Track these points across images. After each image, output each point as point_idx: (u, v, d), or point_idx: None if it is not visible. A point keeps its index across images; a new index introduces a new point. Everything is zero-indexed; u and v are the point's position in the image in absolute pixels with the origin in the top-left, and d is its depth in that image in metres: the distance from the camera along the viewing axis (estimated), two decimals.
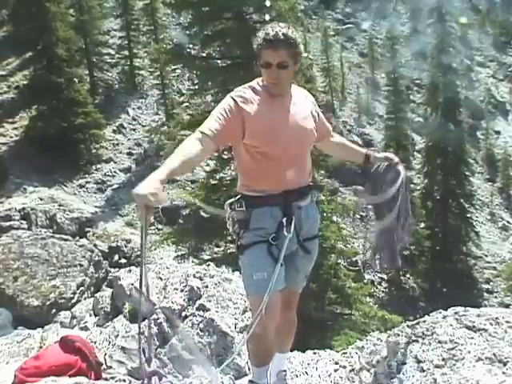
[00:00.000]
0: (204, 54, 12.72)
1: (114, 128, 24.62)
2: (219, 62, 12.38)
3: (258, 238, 2.67)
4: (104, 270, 14.67)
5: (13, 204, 18.02)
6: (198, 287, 4.68)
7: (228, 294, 4.56)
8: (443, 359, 2.94)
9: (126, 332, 4.53)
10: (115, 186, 21.74)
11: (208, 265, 5.30)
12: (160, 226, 20.03)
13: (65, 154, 20.35)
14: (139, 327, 2.72)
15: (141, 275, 2.32)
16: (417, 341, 3.25)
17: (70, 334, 4.30)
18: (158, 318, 4.45)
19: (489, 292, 23.45)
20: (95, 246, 16.24)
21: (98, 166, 22.45)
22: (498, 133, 37.42)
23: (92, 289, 13.46)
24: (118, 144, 23.99)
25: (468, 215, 25.01)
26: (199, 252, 12.55)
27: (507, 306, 17.10)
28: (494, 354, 2.85)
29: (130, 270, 5.48)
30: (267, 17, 11.31)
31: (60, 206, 18.74)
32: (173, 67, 24.25)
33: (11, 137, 21.88)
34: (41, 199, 18.76)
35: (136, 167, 23.04)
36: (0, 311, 10.90)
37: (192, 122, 11.59)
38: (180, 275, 4.93)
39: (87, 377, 3.66)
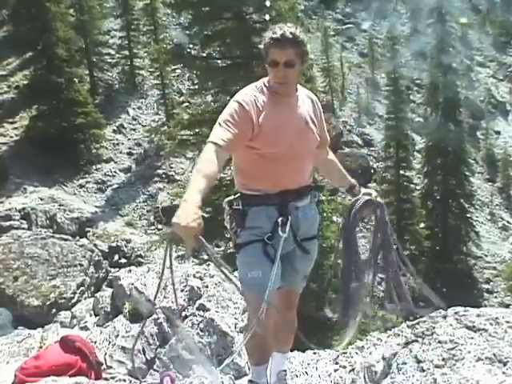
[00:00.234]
0: (204, 54, 12.73)
1: (114, 128, 24.62)
2: (219, 61, 12.39)
3: (253, 237, 2.67)
4: (104, 270, 14.66)
5: (13, 204, 18.02)
6: (198, 287, 4.68)
7: (228, 294, 4.56)
8: (443, 359, 2.94)
9: (126, 332, 4.54)
10: (115, 186, 21.74)
11: (208, 265, 5.30)
12: (160, 226, 20.06)
13: (65, 154, 20.35)
14: (136, 339, 2.73)
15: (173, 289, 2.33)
16: (417, 341, 3.25)
17: (70, 334, 4.30)
18: (158, 318, 4.45)
19: (489, 292, 23.44)
20: (95, 245, 16.24)
21: (98, 165, 22.45)
22: (498, 133, 37.41)
23: (92, 289, 13.45)
24: (118, 144, 23.99)
25: (468, 215, 25.00)
26: (199, 252, 12.54)
27: (507, 306, 17.11)
28: (494, 354, 2.85)
29: (130, 270, 5.48)
30: (267, 17, 11.32)
31: (60, 205, 18.75)
32: (173, 67, 24.26)
33: (11, 137, 21.88)
34: (41, 199, 18.76)
35: (136, 167, 23.04)
36: (0, 311, 10.91)
37: (192, 121, 11.60)
38: (180, 275, 4.94)
39: (87, 377, 3.66)
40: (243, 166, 2.73)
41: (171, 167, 22.97)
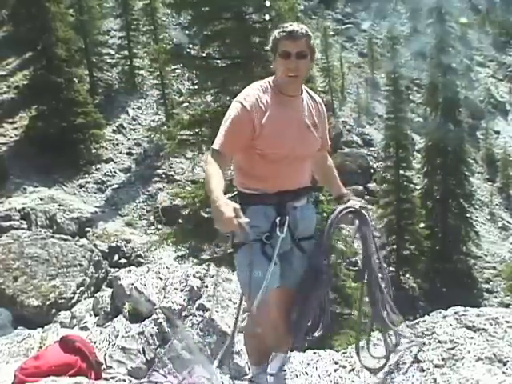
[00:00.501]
0: (204, 54, 12.70)
1: (114, 128, 24.62)
2: (219, 61, 12.37)
3: (251, 236, 2.65)
4: (104, 270, 14.68)
5: (13, 204, 18.02)
6: (197, 287, 4.68)
7: (228, 294, 4.56)
8: (443, 359, 2.94)
9: (126, 332, 4.54)
10: (115, 186, 21.74)
11: (208, 265, 5.30)
12: (160, 226, 20.06)
13: (65, 154, 20.35)
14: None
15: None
16: None
17: (70, 334, 4.30)
18: (157, 318, 4.45)
19: (489, 292, 23.44)
20: (95, 245, 16.25)
21: (98, 166, 22.45)
22: (497, 133, 37.42)
23: (92, 289, 13.46)
24: (117, 144, 23.99)
25: (468, 215, 24.99)
26: (199, 252, 12.56)
27: (507, 306, 17.12)
28: (494, 354, 2.85)
29: (129, 270, 5.48)
30: (267, 17, 11.31)
31: (60, 206, 18.75)
32: (172, 67, 24.23)
33: (11, 137, 21.88)
34: (41, 199, 18.76)
35: (136, 167, 23.04)
36: (0, 311, 10.91)
37: (192, 121, 11.58)
38: (180, 275, 4.94)
39: (87, 377, 3.66)
40: (243, 165, 2.73)
41: (171, 167, 22.97)
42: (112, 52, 28.35)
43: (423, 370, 2.94)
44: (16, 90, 23.68)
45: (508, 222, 29.98)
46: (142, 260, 16.76)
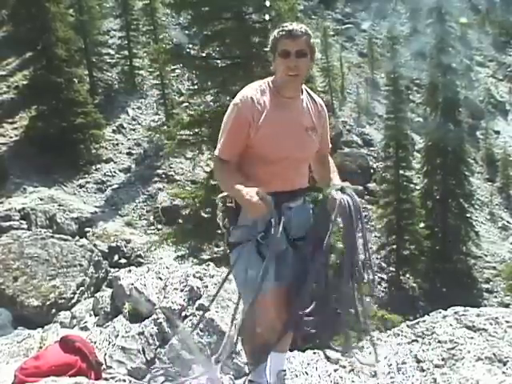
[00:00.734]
0: (204, 54, 12.70)
1: (114, 128, 24.62)
2: (219, 61, 12.37)
3: (246, 235, 2.68)
4: (104, 270, 14.66)
5: (13, 204, 18.02)
6: (197, 287, 4.68)
7: (228, 294, 4.56)
8: (443, 359, 2.95)
9: (126, 332, 4.54)
10: (115, 186, 21.74)
11: (208, 265, 5.31)
12: (160, 226, 20.06)
13: (65, 154, 20.34)
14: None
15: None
16: (417, 341, 3.25)
17: (70, 334, 4.30)
18: (157, 318, 4.45)
19: (489, 292, 23.44)
20: (95, 246, 16.23)
21: (98, 166, 22.45)
22: (497, 133, 37.41)
23: (92, 289, 13.45)
24: (117, 144, 23.98)
25: (468, 215, 24.99)
26: (199, 252, 12.56)
27: (507, 306, 17.12)
28: (494, 354, 2.85)
29: (129, 270, 5.48)
30: (267, 17, 11.31)
31: (60, 206, 18.74)
32: (172, 67, 24.22)
33: (11, 137, 21.87)
34: (41, 199, 18.75)
35: (136, 167, 23.04)
36: (0, 311, 10.91)
37: (191, 121, 11.59)
38: (180, 275, 4.94)
39: (87, 377, 3.66)
40: (241, 165, 2.73)
41: (171, 167, 22.96)
42: (112, 52, 28.35)
43: (423, 370, 2.94)
44: (16, 90, 23.66)
45: (508, 221, 29.98)
46: (142, 260, 16.75)
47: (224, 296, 4.56)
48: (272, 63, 2.72)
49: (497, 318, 3.15)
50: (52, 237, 14.30)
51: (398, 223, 22.96)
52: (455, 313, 3.33)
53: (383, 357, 3.28)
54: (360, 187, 26.79)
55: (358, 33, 42.62)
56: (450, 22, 27.59)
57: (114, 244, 17.55)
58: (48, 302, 12.20)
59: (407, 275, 23.36)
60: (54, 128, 20.49)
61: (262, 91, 2.68)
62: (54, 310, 11.94)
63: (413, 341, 3.27)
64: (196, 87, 13.65)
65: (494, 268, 24.71)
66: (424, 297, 22.15)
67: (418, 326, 3.40)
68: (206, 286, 4.72)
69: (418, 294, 22.63)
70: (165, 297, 4.68)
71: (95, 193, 21.25)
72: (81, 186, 21.26)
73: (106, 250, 16.88)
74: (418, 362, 3.02)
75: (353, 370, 3.38)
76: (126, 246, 17.69)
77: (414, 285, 23.06)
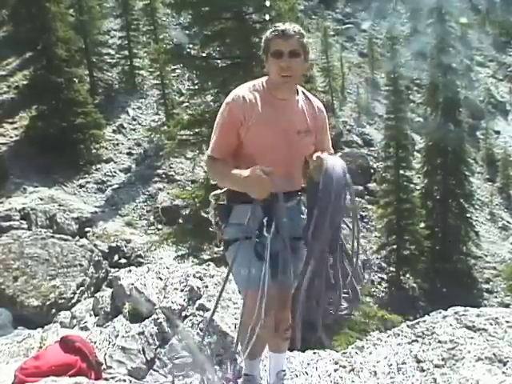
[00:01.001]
0: (204, 54, 12.70)
1: (114, 128, 24.62)
2: (219, 61, 12.37)
3: (240, 233, 2.67)
4: (104, 270, 14.66)
5: (13, 204, 18.02)
6: (197, 287, 4.68)
7: (228, 294, 4.56)
8: (443, 359, 2.95)
9: (126, 332, 4.54)
10: (115, 186, 21.74)
11: (208, 265, 5.31)
12: (160, 226, 20.06)
13: (65, 154, 20.34)
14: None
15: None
16: (417, 341, 3.25)
17: (70, 334, 4.30)
18: (157, 318, 4.45)
19: (489, 292, 23.44)
20: (95, 245, 16.23)
21: (98, 166, 22.45)
22: (497, 133, 37.42)
23: (92, 289, 13.45)
24: (118, 144, 23.99)
25: (468, 215, 24.99)
26: (199, 252, 12.55)
27: (507, 306, 17.11)
28: (494, 354, 2.85)
29: (129, 270, 5.48)
30: (267, 17, 11.30)
31: (60, 206, 18.74)
32: (173, 67, 24.26)
33: (11, 137, 21.88)
34: (41, 199, 18.76)
35: (136, 167, 23.04)
36: (0, 311, 10.91)
37: (192, 121, 11.59)
38: (180, 275, 4.94)
39: (87, 377, 3.66)
40: (232, 164, 2.71)
41: (171, 167, 22.97)
42: (112, 52, 28.35)
43: (423, 370, 2.94)
44: (16, 90, 23.67)
45: (508, 221, 29.98)
46: (142, 260, 16.75)
47: (224, 296, 4.56)
48: (265, 64, 2.67)
49: (497, 318, 3.15)
50: (52, 237, 14.31)
51: (398, 223, 22.95)
52: (455, 313, 3.33)
53: (383, 357, 3.28)
54: (360, 187, 26.84)
55: (359, 33, 42.64)
56: (451, 22, 27.60)
57: (114, 244, 17.55)
58: (48, 302, 12.20)
59: (407, 275, 23.36)
60: (54, 128, 20.49)
61: (255, 91, 2.65)
62: (53, 310, 11.94)
63: (413, 341, 3.27)
64: (196, 87, 13.63)
65: (494, 268, 24.71)
66: (424, 297, 22.15)
67: (418, 326, 3.40)
68: (206, 286, 4.72)
69: (418, 294, 22.63)
70: (165, 297, 4.68)
71: (95, 193, 21.25)
72: (81, 186, 21.26)
73: (106, 250, 16.88)
74: (418, 362, 3.02)
75: (353, 369, 3.38)
76: (126, 246, 17.69)
77: (414, 285, 23.06)
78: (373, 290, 20.86)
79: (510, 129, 38.56)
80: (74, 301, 12.52)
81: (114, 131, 24.45)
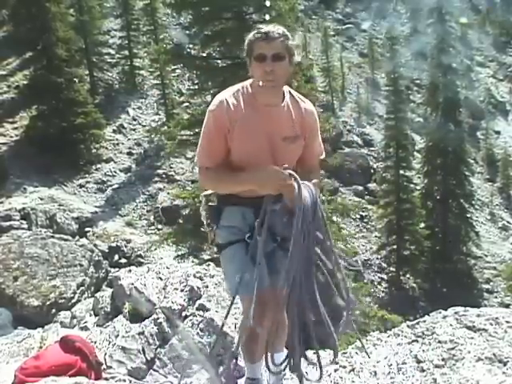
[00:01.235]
0: (204, 54, 12.71)
1: (114, 128, 24.62)
2: (219, 61, 12.37)
3: (233, 236, 2.65)
4: (104, 270, 14.65)
5: (13, 204, 18.02)
6: (198, 287, 4.68)
7: (228, 294, 4.56)
8: (443, 359, 2.94)
9: (126, 332, 4.54)
10: (115, 186, 21.74)
11: (208, 265, 5.30)
12: (160, 226, 20.06)
13: (65, 154, 20.34)
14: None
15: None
16: (417, 341, 3.25)
17: (70, 334, 4.30)
18: (157, 318, 4.45)
19: (489, 292, 23.45)
20: (95, 245, 16.23)
21: (98, 165, 22.45)
22: (497, 133, 37.44)
23: (92, 289, 13.45)
24: (118, 144, 23.99)
25: (468, 215, 25.01)
26: (199, 252, 12.55)
27: (507, 306, 17.12)
28: (494, 354, 2.85)
29: (129, 270, 5.48)
30: (267, 17, 11.30)
31: (60, 205, 18.74)
32: (173, 67, 24.25)
33: (11, 137, 21.88)
34: (41, 199, 18.76)
35: (136, 167, 23.04)
36: (0, 311, 10.91)
37: (192, 121, 11.59)
38: (180, 275, 4.94)
39: (87, 377, 3.66)
40: (226, 166, 2.66)
41: (171, 167, 22.97)
42: (112, 52, 28.35)
43: (423, 370, 2.94)
44: (16, 90, 23.67)
45: (508, 222, 29.98)
46: (142, 260, 16.75)
47: (224, 296, 4.57)
48: (249, 68, 2.57)
49: (497, 318, 3.15)
50: (52, 237, 14.30)
51: (398, 223, 22.97)
52: (455, 313, 3.33)
53: (383, 357, 3.28)
54: (360, 187, 26.84)
55: (359, 33, 42.66)
56: (451, 22, 27.62)
57: (114, 244, 17.55)
58: (48, 302, 12.20)
59: (407, 275, 23.36)
60: (54, 128, 20.49)
61: (239, 96, 2.56)
62: (54, 310, 11.94)
63: (413, 341, 3.27)
64: (196, 87, 13.64)
65: (495, 268, 24.72)
66: (424, 297, 22.15)
67: (418, 326, 3.40)
68: (207, 286, 4.72)
69: (418, 294, 22.63)
70: (165, 297, 4.68)
71: (95, 193, 21.25)
72: (81, 186, 21.26)
73: (106, 250, 16.88)
74: (418, 362, 3.02)
75: (353, 369, 3.37)
76: (126, 246, 17.70)
77: (414, 285, 23.07)
78: (373, 290, 20.86)
79: (510, 129, 38.56)
80: (74, 301, 12.51)
81: (114, 131, 24.46)
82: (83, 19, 25.64)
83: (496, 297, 23.00)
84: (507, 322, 3.09)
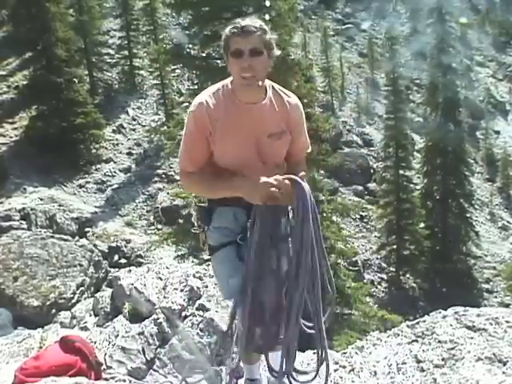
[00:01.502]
0: (204, 54, 12.72)
1: (114, 128, 24.62)
2: (219, 61, 12.38)
3: (225, 238, 2.60)
4: (104, 270, 14.65)
5: (13, 204, 18.01)
6: (198, 287, 4.68)
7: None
8: (443, 359, 2.95)
9: (126, 332, 4.54)
10: (115, 186, 21.74)
11: (208, 265, 5.30)
12: (160, 226, 20.06)
13: (65, 154, 20.34)
14: None
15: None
16: (417, 341, 3.25)
17: (70, 334, 4.30)
18: (157, 318, 4.45)
19: (489, 292, 23.45)
20: (95, 246, 16.22)
21: (98, 166, 22.45)
22: (497, 133, 37.42)
23: (92, 289, 13.44)
24: (117, 144, 23.99)
25: (468, 215, 25.00)
26: (199, 252, 12.56)
27: (507, 306, 17.12)
28: (494, 354, 2.85)
29: (129, 270, 5.48)
30: (267, 17, 11.31)
31: (60, 206, 18.74)
32: (172, 67, 24.26)
33: (11, 137, 21.88)
34: (41, 199, 18.75)
35: (136, 167, 23.04)
36: (0, 311, 10.90)
37: None
38: (180, 275, 4.94)
39: (87, 377, 3.66)
40: (210, 168, 2.60)
41: (171, 167, 22.96)
42: (112, 52, 28.34)
43: (423, 370, 2.94)
44: (16, 90, 23.66)
45: (508, 221, 29.98)
46: (142, 260, 16.74)
47: None
48: (226, 64, 2.50)
49: (497, 318, 3.15)
50: (52, 237, 14.29)
51: (398, 223, 22.96)
52: (455, 313, 3.33)
53: (383, 357, 3.28)
54: (360, 187, 26.84)
55: (358, 33, 42.63)
56: (450, 22, 27.60)
57: (114, 244, 17.54)
58: (48, 302, 12.19)
59: (407, 275, 23.36)
60: (54, 128, 20.49)
61: (219, 95, 2.50)
62: (53, 310, 11.94)
63: (413, 341, 3.27)
64: (196, 87, 13.66)
65: (494, 268, 24.72)
66: (424, 297, 22.15)
67: (418, 325, 3.40)
68: (206, 286, 4.72)
69: (417, 294, 22.63)
70: (165, 297, 4.68)
71: (95, 193, 21.25)
72: (81, 186, 21.26)
73: (106, 250, 16.88)
74: (418, 362, 3.02)
75: (353, 369, 3.37)
76: (126, 246, 17.69)
77: (414, 285, 23.06)
78: (373, 290, 20.86)
79: (510, 129, 38.55)
80: (73, 301, 12.51)
81: (113, 131, 24.45)
82: (83, 19, 25.62)
83: (496, 297, 23.00)
84: (507, 321, 3.09)
